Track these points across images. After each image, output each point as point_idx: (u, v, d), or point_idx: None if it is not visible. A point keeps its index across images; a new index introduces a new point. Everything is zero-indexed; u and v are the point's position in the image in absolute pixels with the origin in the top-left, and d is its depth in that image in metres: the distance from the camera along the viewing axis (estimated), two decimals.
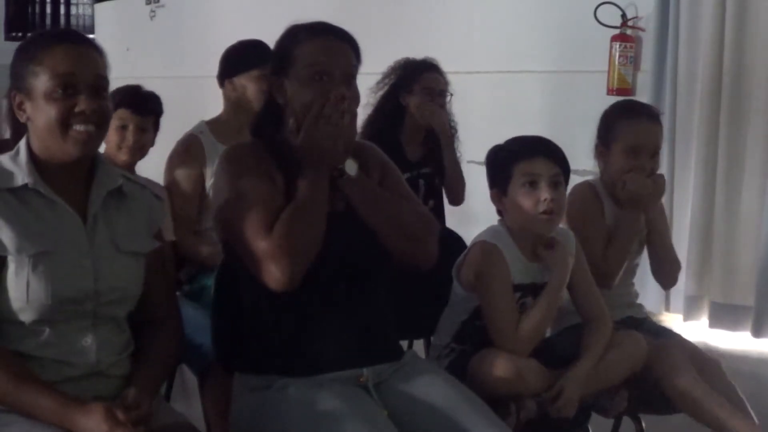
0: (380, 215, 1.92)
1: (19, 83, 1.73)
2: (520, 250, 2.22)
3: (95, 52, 1.76)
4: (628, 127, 2.45)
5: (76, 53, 1.72)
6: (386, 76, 3.40)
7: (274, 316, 1.90)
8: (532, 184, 2.16)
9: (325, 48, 1.93)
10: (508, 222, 2.25)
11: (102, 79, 1.75)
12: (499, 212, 2.29)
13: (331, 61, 1.91)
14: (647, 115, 2.49)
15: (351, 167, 1.92)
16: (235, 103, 3.08)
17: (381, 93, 3.38)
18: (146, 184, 1.94)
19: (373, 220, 1.92)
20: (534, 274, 2.24)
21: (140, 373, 1.78)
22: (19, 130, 1.79)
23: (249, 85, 3.03)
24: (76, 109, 1.69)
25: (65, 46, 1.72)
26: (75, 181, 1.78)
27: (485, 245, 2.21)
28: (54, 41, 1.73)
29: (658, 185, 2.48)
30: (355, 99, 1.96)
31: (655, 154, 2.46)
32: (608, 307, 2.41)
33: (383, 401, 1.87)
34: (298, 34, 1.97)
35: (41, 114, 1.71)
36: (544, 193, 2.14)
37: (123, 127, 2.88)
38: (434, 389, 1.88)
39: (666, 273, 2.62)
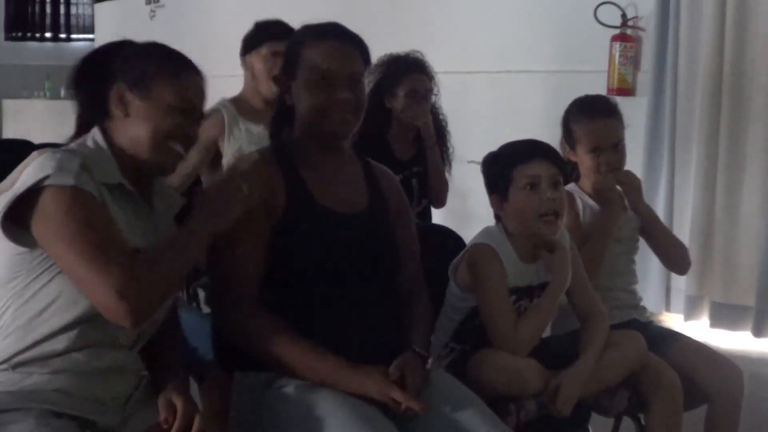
0: None
1: (133, 79, 1.74)
2: (516, 252, 2.22)
3: (206, 85, 1.86)
4: (585, 128, 2.50)
5: (200, 83, 1.83)
6: (369, 74, 3.28)
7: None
8: (533, 186, 2.16)
9: (331, 51, 1.93)
10: (508, 225, 2.25)
11: (204, 114, 1.86)
12: (497, 216, 2.29)
13: (337, 64, 1.92)
14: (602, 111, 2.53)
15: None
16: (251, 82, 3.21)
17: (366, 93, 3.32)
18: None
19: None
20: (530, 276, 2.23)
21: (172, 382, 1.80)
22: (89, 125, 1.80)
23: (256, 63, 3.15)
24: (186, 131, 1.77)
25: (196, 72, 1.82)
26: (144, 185, 1.82)
27: (481, 247, 2.22)
28: (188, 64, 1.81)
29: (629, 179, 2.53)
30: (360, 103, 1.96)
31: (616, 147, 2.50)
32: (613, 309, 2.41)
33: None
34: (305, 37, 1.98)
35: (151, 120, 1.73)
36: (546, 194, 2.15)
37: None
38: (434, 389, 1.88)
39: (675, 258, 2.64)
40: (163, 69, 1.76)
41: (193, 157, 2.98)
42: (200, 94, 1.82)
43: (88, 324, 1.67)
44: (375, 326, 1.92)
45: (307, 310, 1.89)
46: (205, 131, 3.05)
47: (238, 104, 3.19)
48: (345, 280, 1.90)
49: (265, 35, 3.15)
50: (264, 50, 3.13)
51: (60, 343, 1.67)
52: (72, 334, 1.67)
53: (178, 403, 1.73)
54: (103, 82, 1.76)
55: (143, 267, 1.62)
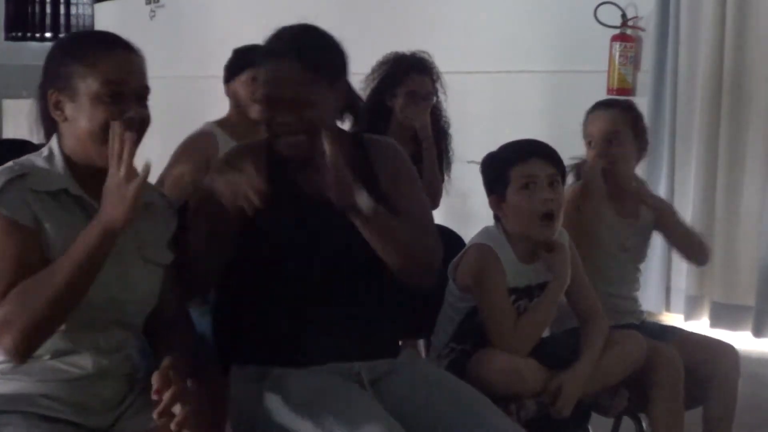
0: (388, 248, 1.88)
1: (59, 82, 1.70)
2: (515, 252, 2.22)
3: (141, 60, 1.75)
4: (586, 120, 2.57)
5: (127, 61, 1.72)
6: (373, 71, 3.29)
7: (270, 308, 1.91)
8: (530, 186, 2.17)
9: (267, 72, 1.90)
10: (506, 226, 2.25)
11: (147, 89, 1.75)
12: (496, 216, 2.29)
13: (275, 88, 1.87)
14: (603, 104, 2.59)
15: (364, 202, 1.82)
16: (235, 108, 3.23)
17: (367, 92, 3.31)
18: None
19: (380, 250, 1.87)
20: (529, 276, 2.24)
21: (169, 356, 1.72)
22: (51, 133, 1.76)
23: (239, 89, 3.19)
24: (125, 116, 1.67)
25: (117, 52, 1.71)
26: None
27: (481, 247, 2.22)
28: (105, 46, 1.72)
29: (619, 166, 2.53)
30: (308, 123, 1.85)
31: (609, 139, 2.50)
32: (611, 312, 2.41)
33: (383, 397, 1.86)
34: (259, 54, 1.95)
35: (84, 116, 1.68)
36: (543, 194, 2.15)
37: None
38: (436, 385, 1.88)
39: (693, 248, 2.63)
40: (78, 61, 1.69)
41: (186, 176, 2.95)
42: (127, 67, 1.71)
43: (61, 333, 1.66)
44: (365, 321, 1.92)
45: (293, 302, 1.89)
46: (200, 151, 3.03)
47: (227, 128, 3.16)
48: (329, 271, 1.89)
49: (244, 62, 3.19)
50: (244, 77, 3.16)
51: (37, 352, 1.66)
52: (48, 343, 1.65)
53: (174, 380, 1.65)
54: (43, 90, 1.73)
55: (13, 301, 1.57)
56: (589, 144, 2.53)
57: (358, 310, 1.92)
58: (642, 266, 2.62)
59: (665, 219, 2.58)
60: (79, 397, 1.69)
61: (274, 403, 1.83)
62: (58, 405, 1.68)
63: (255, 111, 3.11)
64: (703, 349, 2.43)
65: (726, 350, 2.43)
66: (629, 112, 2.57)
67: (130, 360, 1.80)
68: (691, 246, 2.63)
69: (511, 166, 2.19)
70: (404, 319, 2.08)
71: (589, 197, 2.48)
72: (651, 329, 2.47)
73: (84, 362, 1.70)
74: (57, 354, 1.69)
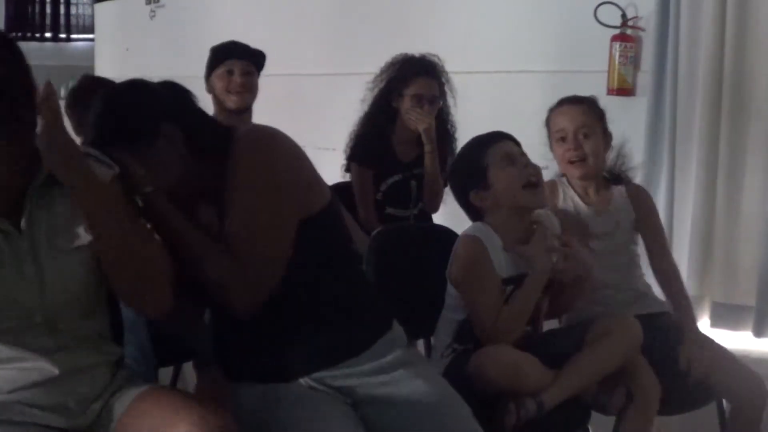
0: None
1: None
2: (504, 241, 2.25)
3: None
4: (551, 116, 2.63)
5: None
6: (382, 72, 3.31)
7: (218, 323, 1.93)
8: (511, 161, 2.25)
9: None
10: (492, 218, 2.28)
11: None
12: (479, 217, 2.31)
13: None
14: (571, 100, 2.63)
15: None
16: (217, 101, 3.38)
17: (375, 92, 3.32)
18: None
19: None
20: (521, 264, 2.25)
21: None
22: None
23: (217, 82, 3.36)
24: None
25: None
26: (7, 187, 1.61)
27: (468, 237, 2.26)
28: None
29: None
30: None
31: (584, 133, 2.53)
32: (607, 307, 2.42)
33: (364, 413, 1.85)
34: None
35: None
36: (526, 160, 2.25)
37: None
38: (409, 391, 1.86)
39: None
40: None
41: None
42: None
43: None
44: (339, 323, 1.88)
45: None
46: None
47: None
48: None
49: (219, 57, 3.38)
50: (220, 70, 3.34)
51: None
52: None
53: None
54: None
55: None
56: (560, 139, 2.54)
57: (328, 314, 1.87)
58: (625, 251, 2.59)
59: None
60: (54, 398, 1.65)
61: (275, 423, 1.82)
62: (37, 411, 1.64)
63: (231, 101, 3.33)
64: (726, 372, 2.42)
65: (754, 380, 2.40)
66: (596, 107, 2.61)
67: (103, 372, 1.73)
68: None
69: (485, 152, 2.26)
70: (405, 320, 2.06)
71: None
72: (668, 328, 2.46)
73: (41, 365, 1.64)
74: (8, 361, 1.63)
